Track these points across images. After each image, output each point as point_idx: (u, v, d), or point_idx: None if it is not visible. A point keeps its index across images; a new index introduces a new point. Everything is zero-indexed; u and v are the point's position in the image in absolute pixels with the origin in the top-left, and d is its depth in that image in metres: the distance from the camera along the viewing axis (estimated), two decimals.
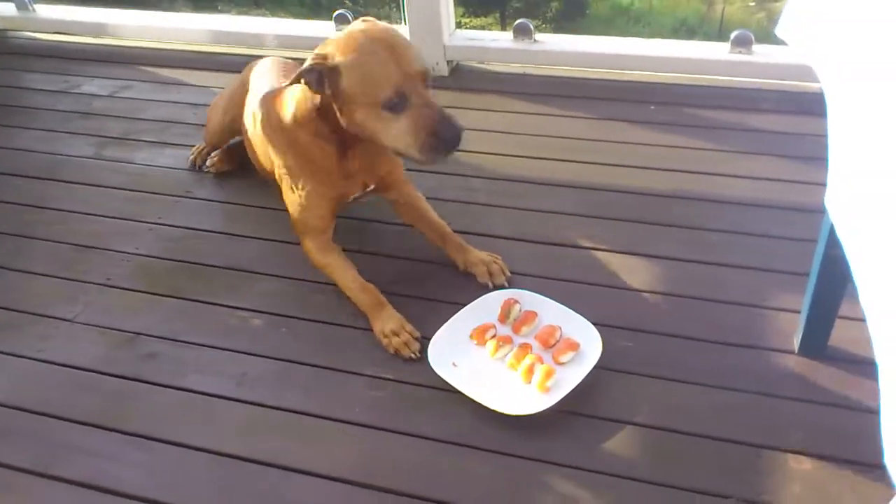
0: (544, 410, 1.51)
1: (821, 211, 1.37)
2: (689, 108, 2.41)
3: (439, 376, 1.59)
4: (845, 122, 1.13)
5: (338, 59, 1.53)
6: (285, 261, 1.95)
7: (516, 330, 1.68)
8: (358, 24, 1.59)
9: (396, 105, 1.51)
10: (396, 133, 1.54)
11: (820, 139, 2.04)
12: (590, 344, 1.62)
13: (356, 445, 1.53)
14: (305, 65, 1.55)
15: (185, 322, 1.82)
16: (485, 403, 1.54)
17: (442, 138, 1.52)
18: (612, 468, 1.44)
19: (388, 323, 1.70)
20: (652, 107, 2.43)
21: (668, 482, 1.41)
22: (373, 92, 1.51)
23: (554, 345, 1.64)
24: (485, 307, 1.72)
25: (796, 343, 1.62)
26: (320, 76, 1.54)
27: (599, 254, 1.90)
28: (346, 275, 1.79)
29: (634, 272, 1.84)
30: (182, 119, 2.56)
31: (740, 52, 2.42)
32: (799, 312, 1.63)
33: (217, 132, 2.19)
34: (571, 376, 1.56)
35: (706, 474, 1.41)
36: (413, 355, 1.66)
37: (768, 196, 2.02)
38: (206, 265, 1.97)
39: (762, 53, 2.42)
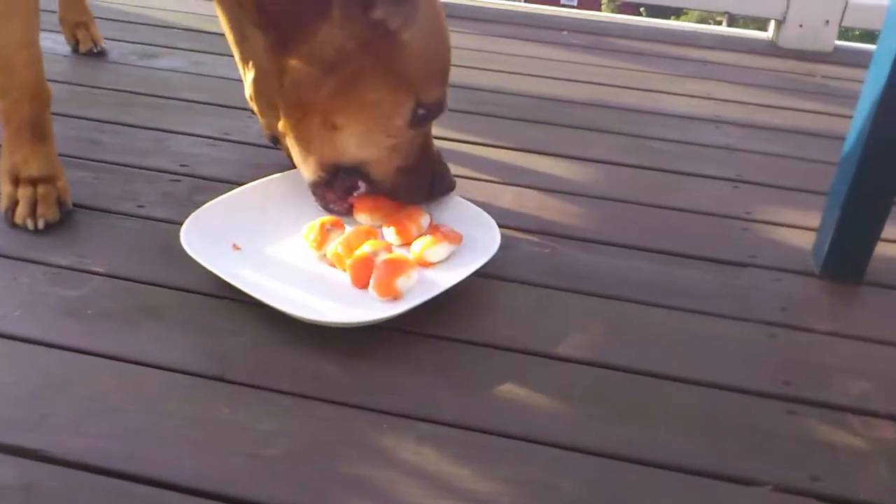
0: (382, 322, 0.79)
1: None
2: (613, 38, 1.83)
3: (199, 263, 0.84)
4: None
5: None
6: None
7: (353, 212, 0.96)
8: None
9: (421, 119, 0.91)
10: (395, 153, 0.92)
11: (773, 74, 1.67)
12: (480, 239, 0.92)
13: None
14: None
15: None
16: (278, 306, 0.80)
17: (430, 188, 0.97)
18: (494, 423, 0.72)
19: (34, 163, 0.94)
20: (565, 32, 1.84)
21: (604, 450, 0.70)
22: (430, 79, 0.90)
23: (419, 236, 0.93)
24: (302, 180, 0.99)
25: (815, 263, 0.98)
26: None
27: (497, 151, 1.23)
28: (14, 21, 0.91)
29: (551, 173, 1.19)
30: None
31: None
32: (802, 228, 1.04)
33: None
34: (439, 280, 0.86)
35: (690, 441, 0.72)
36: (29, 225, 0.93)
37: (723, 112, 1.44)
38: None
39: None
